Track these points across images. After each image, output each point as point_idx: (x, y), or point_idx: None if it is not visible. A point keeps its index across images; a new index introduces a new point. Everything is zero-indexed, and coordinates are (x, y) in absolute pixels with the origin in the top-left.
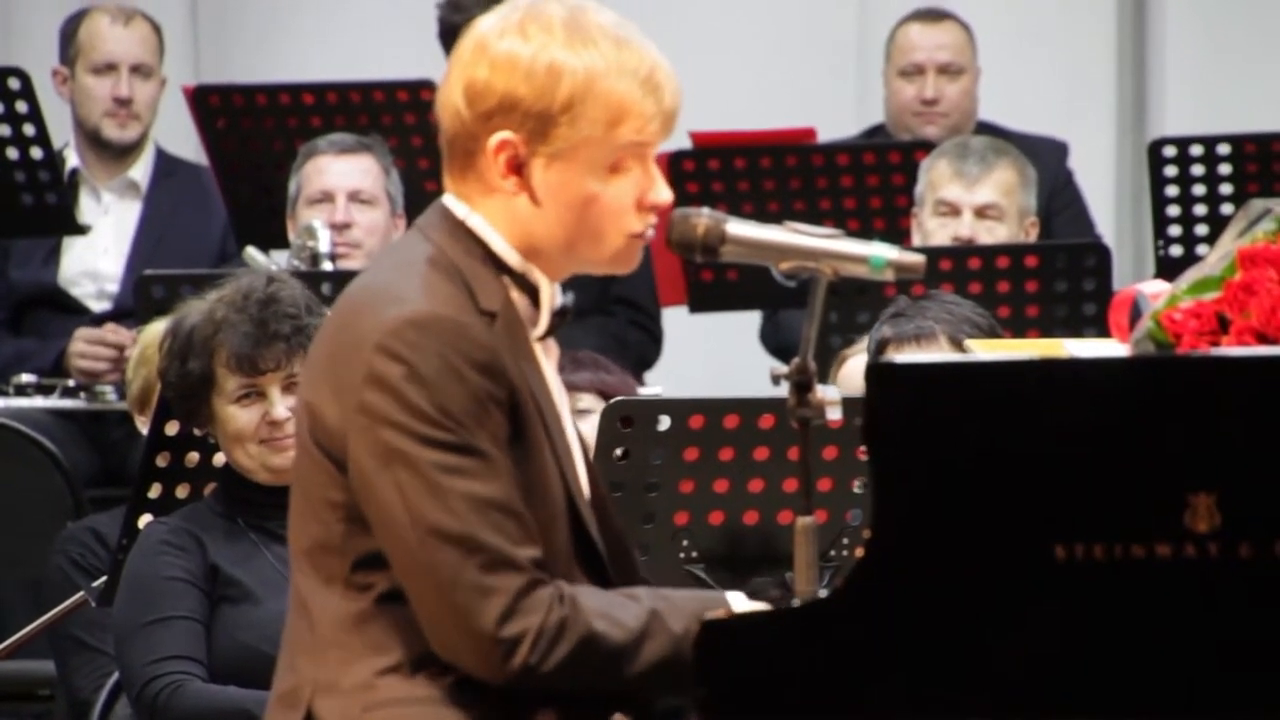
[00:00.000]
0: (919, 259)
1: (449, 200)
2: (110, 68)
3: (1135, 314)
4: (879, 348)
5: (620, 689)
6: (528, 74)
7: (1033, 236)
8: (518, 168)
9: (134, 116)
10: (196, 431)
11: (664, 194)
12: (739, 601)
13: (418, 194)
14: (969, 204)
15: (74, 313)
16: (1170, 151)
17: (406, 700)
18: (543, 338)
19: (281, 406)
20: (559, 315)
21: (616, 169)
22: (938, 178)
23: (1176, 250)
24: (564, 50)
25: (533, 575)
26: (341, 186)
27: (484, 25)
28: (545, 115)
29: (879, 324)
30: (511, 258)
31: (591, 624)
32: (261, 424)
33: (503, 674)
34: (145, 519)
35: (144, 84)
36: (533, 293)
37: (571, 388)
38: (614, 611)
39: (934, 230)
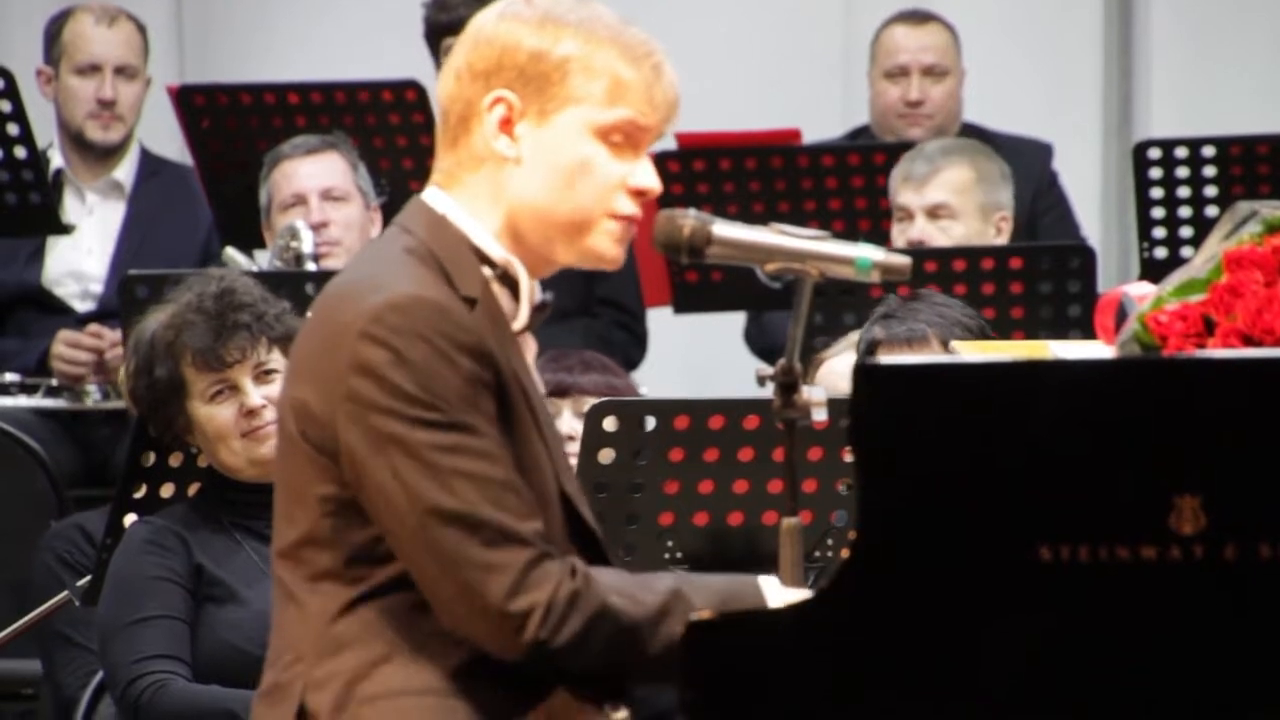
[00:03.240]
0: (905, 261)
1: (428, 195)
2: (94, 69)
3: (1121, 316)
4: (869, 349)
5: (641, 669)
6: (529, 28)
7: (1005, 232)
8: (510, 129)
9: (118, 118)
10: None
11: (652, 180)
12: (772, 587)
13: (402, 194)
14: (919, 206)
15: (58, 313)
16: (1155, 154)
17: (400, 691)
18: (521, 332)
19: (256, 395)
20: (538, 310)
21: (608, 140)
22: (893, 183)
23: (1161, 252)
24: (570, 14)
25: (540, 549)
26: (312, 187)
27: (489, 9)
28: (543, 72)
29: (869, 324)
30: (492, 249)
31: (606, 599)
32: (239, 417)
33: (516, 649)
34: (130, 519)
35: (128, 85)
36: (513, 287)
37: (579, 390)
38: (631, 589)
39: (895, 236)
